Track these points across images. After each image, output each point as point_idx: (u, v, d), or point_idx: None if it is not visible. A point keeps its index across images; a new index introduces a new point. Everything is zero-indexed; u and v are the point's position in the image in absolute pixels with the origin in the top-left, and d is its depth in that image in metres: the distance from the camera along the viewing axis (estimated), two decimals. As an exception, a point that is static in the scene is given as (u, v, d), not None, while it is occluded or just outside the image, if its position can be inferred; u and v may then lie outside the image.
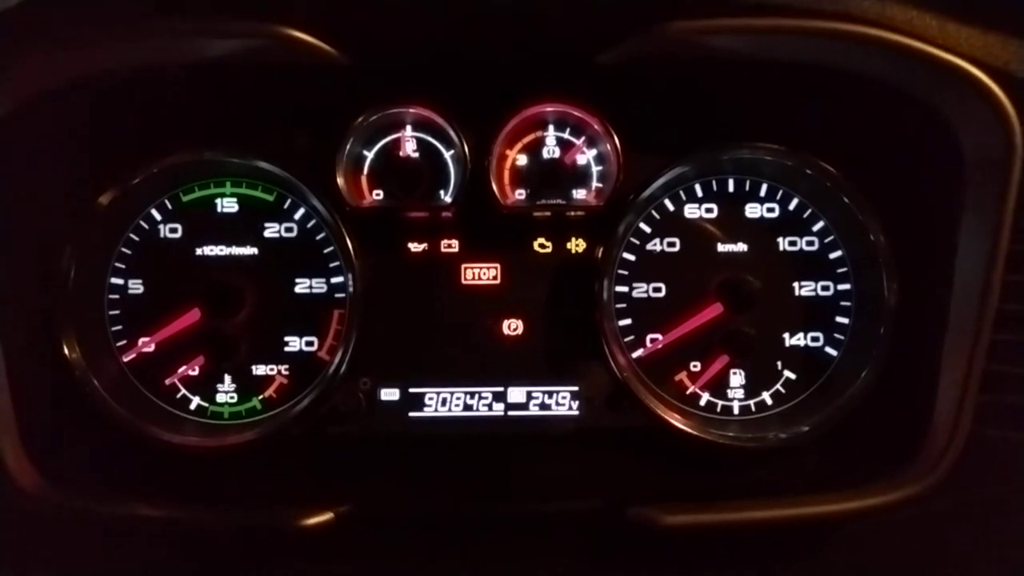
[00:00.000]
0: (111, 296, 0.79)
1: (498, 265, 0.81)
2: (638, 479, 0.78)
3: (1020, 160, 0.65)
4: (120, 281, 0.79)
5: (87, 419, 0.75)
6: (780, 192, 0.81)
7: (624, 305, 0.81)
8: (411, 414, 0.80)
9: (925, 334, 0.72)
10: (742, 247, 0.81)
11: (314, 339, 0.80)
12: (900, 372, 0.75)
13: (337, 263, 0.80)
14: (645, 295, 0.81)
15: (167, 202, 0.80)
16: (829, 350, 0.80)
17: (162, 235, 0.80)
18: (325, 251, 0.80)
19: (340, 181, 0.78)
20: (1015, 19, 0.66)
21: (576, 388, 0.81)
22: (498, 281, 0.81)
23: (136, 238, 0.79)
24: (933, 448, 0.69)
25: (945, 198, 0.71)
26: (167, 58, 0.70)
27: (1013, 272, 0.67)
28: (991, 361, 0.69)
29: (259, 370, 0.80)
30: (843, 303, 0.80)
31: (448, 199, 0.79)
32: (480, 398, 0.80)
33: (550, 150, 0.81)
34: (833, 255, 0.80)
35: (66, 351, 0.75)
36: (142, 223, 0.80)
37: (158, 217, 0.80)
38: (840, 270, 0.81)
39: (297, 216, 0.80)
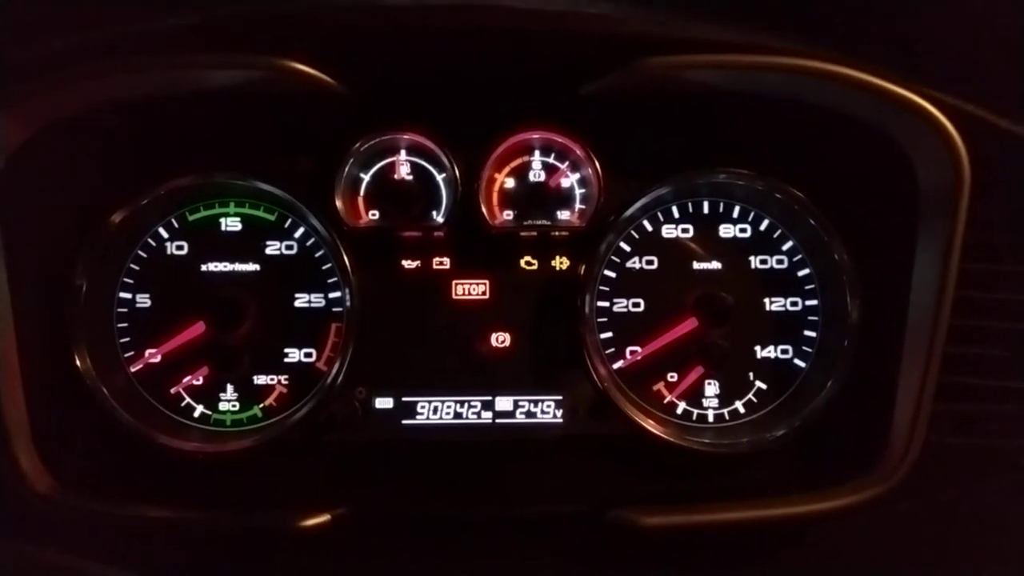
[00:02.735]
0: (120, 310, 0.82)
1: (487, 281, 0.84)
2: (619, 483, 0.81)
3: (968, 188, 0.69)
4: (128, 295, 0.82)
5: (97, 426, 0.77)
6: (752, 214, 0.85)
7: (605, 319, 0.84)
8: (404, 421, 0.83)
9: (885, 347, 0.76)
10: (716, 265, 0.84)
11: (313, 351, 0.83)
12: (862, 382, 0.78)
13: (335, 279, 0.83)
14: (625, 310, 0.84)
15: (174, 221, 0.83)
16: (798, 362, 0.84)
17: (169, 252, 0.83)
18: (323, 268, 0.83)
19: (338, 202, 0.81)
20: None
21: (560, 397, 0.83)
22: (487, 296, 0.84)
23: (144, 255, 0.82)
24: (893, 453, 0.73)
25: (902, 221, 0.75)
26: (176, 88, 0.73)
27: (963, 289, 0.71)
28: (945, 372, 0.73)
29: (260, 380, 0.83)
30: (811, 317, 0.84)
31: (440, 219, 0.83)
32: (469, 406, 0.83)
33: (536, 174, 0.84)
34: (801, 273, 0.84)
35: (77, 361, 0.77)
36: (150, 241, 0.82)
37: (165, 235, 0.83)
38: (808, 287, 0.84)
39: (297, 235, 0.83)
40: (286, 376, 0.83)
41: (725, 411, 0.84)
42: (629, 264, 0.85)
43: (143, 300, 0.82)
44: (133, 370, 0.82)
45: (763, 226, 0.85)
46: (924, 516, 0.77)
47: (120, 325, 0.82)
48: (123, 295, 0.82)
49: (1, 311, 0.71)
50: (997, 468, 0.78)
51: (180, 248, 0.83)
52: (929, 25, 0.69)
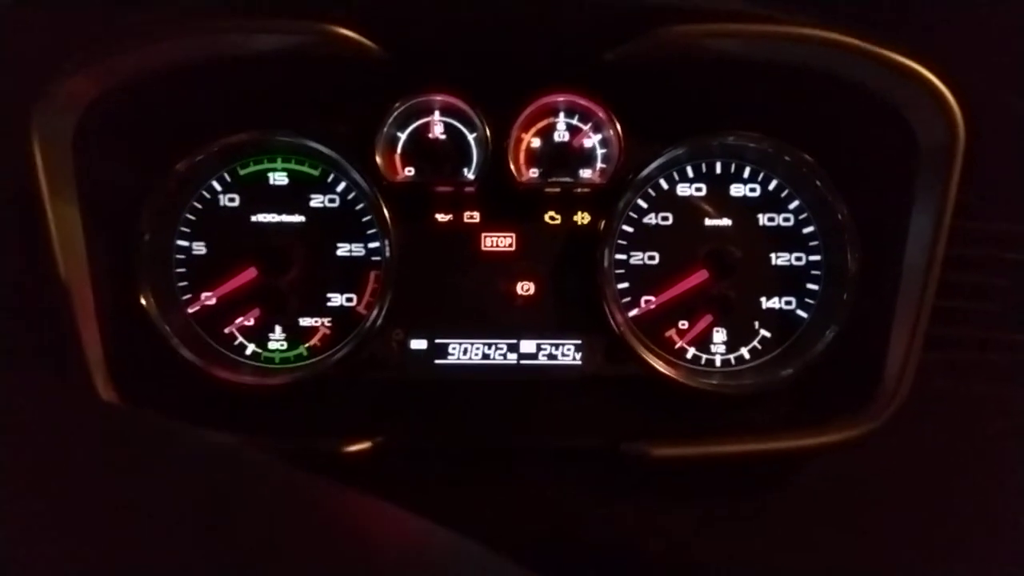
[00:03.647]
0: (178, 256, 0.88)
1: (513, 234, 0.89)
2: (632, 420, 0.86)
3: (962, 146, 0.73)
4: (185, 243, 0.88)
5: (161, 360, 0.83)
6: (761, 174, 0.88)
7: (622, 271, 0.88)
8: (437, 361, 0.88)
9: (881, 299, 0.80)
10: (727, 222, 0.88)
11: (354, 296, 0.88)
12: (859, 331, 0.83)
13: (374, 230, 0.88)
14: (641, 262, 0.89)
15: (226, 175, 0.88)
16: (800, 312, 0.88)
17: (222, 204, 0.88)
18: (364, 219, 0.88)
19: (378, 159, 0.85)
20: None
21: (579, 341, 0.88)
22: (513, 248, 0.89)
23: (199, 206, 0.88)
24: (884, 395, 0.78)
25: (901, 182, 0.79)
26: (229, 52, 0.77)
27: (955, 246, 0.76)
28: (935, 323, 0.77)
29: (306, 322, 0.88)
30: (813, 272, 0.88)
31: (471, 176, 0.87)
32: (496, 348, 0.88)
33: (560, 134, 0.88)
34: (806, 230, 0.88)
35: (143, 302, 0.83)
36: (204, 193, 0.88)
37: (218, 188, 0.88)
38: (812, 243, 0.88)
39: (339, 188, 0.88)
40: (329, 319, 0.89)
41: (731, 356, 0.89)
42: (646, 220, 0.89)
43: (199, 248, 0.88)
44: (191, 311, 0.87)
45: (771, 186, 0.88)
46: (913, 456, 0.82)
47: (178, 270, 0.88)
48: (181, 243, 0.88)
49: (78, 258, 0.76)
50: (984, 414, 0.82)
51: (232, 200, 0.88)
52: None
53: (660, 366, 0.86)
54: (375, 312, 0.86)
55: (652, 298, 0.88)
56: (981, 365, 0.82)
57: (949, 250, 0.76)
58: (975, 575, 0.81)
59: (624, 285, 0.88)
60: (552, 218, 0.89)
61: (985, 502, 0.82)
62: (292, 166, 0.89)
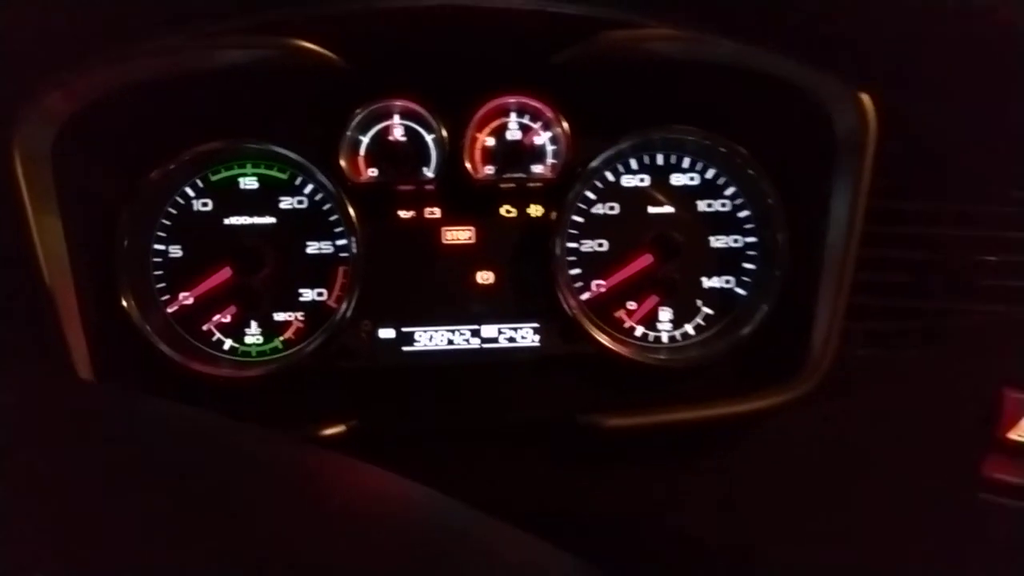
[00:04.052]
0: (155, 259, 0.92)
1: (472, 228, 0.93)
2: (587, 394, 0.92)
3: (874, 140, 0.81)
4: (162, 247, 0.92)
5: (143, 357, 0.88)
6: (699, 164, 0.95)
7: (574, 258, 0.94)
8: (405, 348, 0.93)
9: (807, 275, 0.87)
10: (669, 209, 0.95)
11: (324, 290, 0.93)
12: (789, 305, 0.90)
13: (341, 229, 0.93)
14: (591, 250, 0.94)
15: (198, 181, 0.92)
16: (738, 290, 0.95)
17: (195, 209, 0.92)
18: (331, 219, 0.93)
19: (342, 161, 0.90)
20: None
21: (537, 324, 0.93)
22: (472, 241, 0.94)
23: (174, 211, 0.92)
24: (811, 363, 0.85)
25: (822, 169, 0.86)
26: (199, 66, 0.81)
27: (872, 225, 0.83)
28: (855, 295, 0.84)
29: (280, 316, 0.93)
30: (749, 252, 0.95)
31: (430, 174, 0.91)
32: (460, 334, 0.93)
33: (513, 133, 0.93)
34: (741, 214, 0.95)
35: (123, 302, 0.88)
36: (178, 199, 0.92)
37: (192, 194, 0.92)
38: (747, 226, 0.95)
39: (307, 191, 0.93)
40: (302, 313, 0.93)
41: (677, 333, 0.95)
42: (594, 210, 0.95)
43: (175, 251, 0.92)
44: (170, 311, 0.92)
45: (709, 175, 0.95)
46: (843, 418, 0.89)
47: (156, 273, 0.92)
48: (158, 247, 0.92)
49: (60, 263, 0.81)
50: (905, 376, 0.89)
51: (205, 205, 0.92)
52: (843, 23, 0.81)
53: (611, 344, 0.92)
54: (345, 305, 0.91)
55: (602, 282, 0.94)
56: (902, 332, 0.88)
57: (867, 228, 0.84)
58: (899, 526, 0.89)
59: (576, 271, 0.94)
60: (508, 211, 0.94)
61: (908, 457, 0.90)
62: (261, 171, 0.93)
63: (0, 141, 0.77)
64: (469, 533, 0.41)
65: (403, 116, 0.92)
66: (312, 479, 0.43)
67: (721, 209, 0.96)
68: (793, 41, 0.69)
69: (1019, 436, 0.88)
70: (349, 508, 0.41)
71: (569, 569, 0.41)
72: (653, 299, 0.95)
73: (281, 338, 0.94)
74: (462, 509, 0.42)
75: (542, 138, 0.93)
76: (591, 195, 0.95)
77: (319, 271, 0.94)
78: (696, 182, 0.95)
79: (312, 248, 0.94)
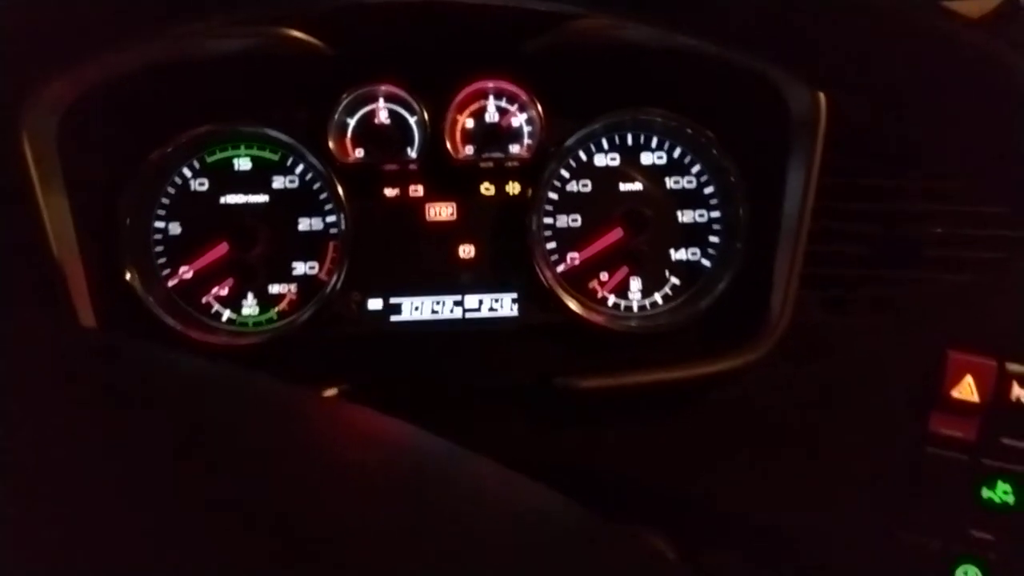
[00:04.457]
0: (156, 237, 0.97)
1: (454, 204, 0.98)
2: (562, 359, 0.98)
3: (824, 120, 0.87)
4: (162, 225, 0.97)
5: (146, 328, 0.93)
6: (667, 143, 1.00)
7: (550, 233, 0.99)
8: (392, 318, 0.98)
9: (766, 247, 0.93)
10: (639, 186, 1.00)
11: (315, 264, 0.98)
12: (750, 275, 0.96)
13: (331, 206, 0.98)
14: (565, 225, 1.00)
15: (195, 162, 0.97)
16: (704, 262, 1.00)
17: (193, 188, 0.98)
18: (321, 197, 0.98)
19: (331, 143, 0.95)
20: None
21: (515, 295, 0.99)
22: (454, 217, 0.99)
23: (172, 191, 0.97)
24: (768, 327, 0.91)
25: (779, 148, 0.92)
26: (194, 54, 0.88)
27: (825, 200, 0.89)
28: (809, 265, 0.90)
29: (274, 289, 0.98)
30: (714, 226, 1.00)
31: (414, 155, 0.97)
32: (443, 304, 0.98)
33: (491, 115, 0.98)
34: (707, 191, 1.00)
35: (127, 277, 0.94)
36: (176, 179, 0.97)
37: (189, 174, 0.97)
38: (712, 202, 1.00)
39: (298, 171, 0.98)
40: (295, 285, 0.98)
41: (646, 302, 1.01)
42: (568, 187, 1.00)
43: (174, 228, 0.98)
44: (170, 284, 0.97)
45: (676, 154, 1.00)
46: (799, 379, 0.95)
47: (157, 249, 0.97)
48: (158, 224, 0.97)
49: (68, 240, 0.86)
50: (858, 340, 0.95)
51: (202, 184, 0.98)
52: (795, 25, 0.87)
53: (585, 313, 0.98)
54: (335, 278, 0.97)
55: (576, 255, 1.00)
56: (853, 300, 0.95)
57: (819, 203, 0.90)
58: (852, 475, 0.96)
59: (552, 245, 1.00)
60: (487, 189, 0.99)
61: (860, 414, 0.97)
62: (255, 152, 0.98)
63: (10, 127, 0.82)
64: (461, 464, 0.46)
65: (387, 100, 0.97)
66: (311, 421, 0.49)
67: (687, 186, 1.01)
68: (748, 40, 0.75)
69: (961, 394, 0.94)
70: (347, 447, 0.46)
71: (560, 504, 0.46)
72: (624, 270, 1.00)
73: (276, 309, 0.99)
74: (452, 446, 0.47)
75: (518, 120, 0.99)
76: (565, 173, 1.00)
77: (310, 246, 0.99)
78: (664, 161, 1.01)
79: (303, 225, 0.99)
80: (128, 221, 0.95)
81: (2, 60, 0.83)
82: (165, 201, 0.98)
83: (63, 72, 0.82)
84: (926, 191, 0.92)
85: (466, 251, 1.00)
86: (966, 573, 0.92)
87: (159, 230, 0.98)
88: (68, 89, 0.85)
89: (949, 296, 0.94)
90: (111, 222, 0.94)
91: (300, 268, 0.99)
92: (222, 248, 0.97)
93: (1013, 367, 0.91)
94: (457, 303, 1.00)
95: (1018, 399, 0.91)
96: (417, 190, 0.99)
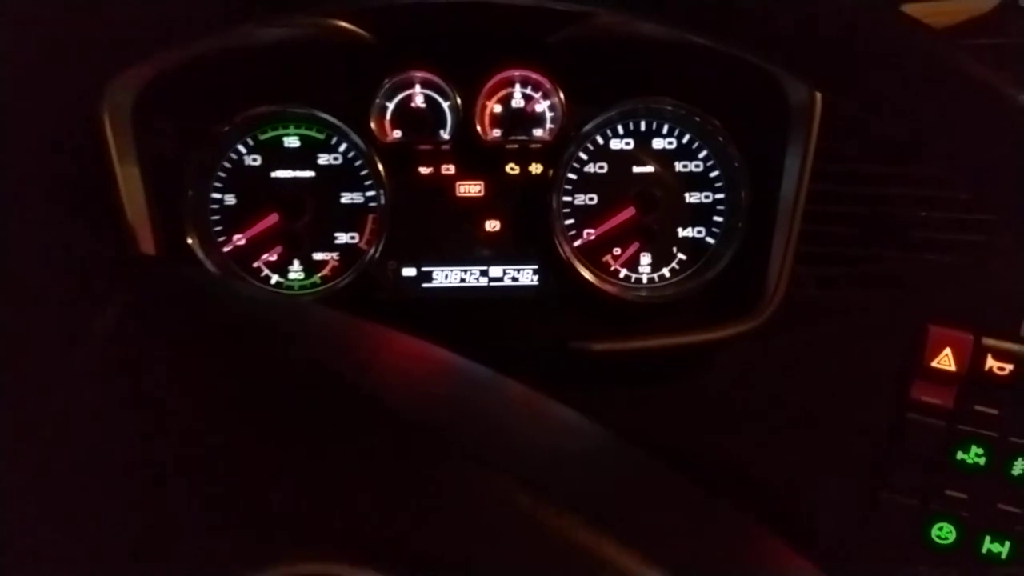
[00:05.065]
0: (213, 207, 1.06)
1: (482, 183, 1.06)
2: (578, 325, 1.06)
3: (819, 111, 0.94)
4: (219, 196, 1.06)
5: None
6: (677, 130, 1.07)
7: (568, 210, 1.07)
8: (424, 285, 1.07)
9: (764, 227, 1.00)
10: (650, 168, 1.07)
11: (356, 234, 1.07)
12: (749, 252, 1.03)
13: (370, 182, 1.06)
14: (583, 203, 1.07)
15: (249, 140, 1.05)
16: (708, 239, 1.08)
17: (247, 163, 1.06)
18: (362, 174, 1.06)
19: (372, 124, 1.03)
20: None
21: (536, 266, 1.07)
22: (482, 194, 1.07)
23: (229, 165, 1.06)
24: (765, 300, 0.98)
25: (779, 136, 0.99)
26: (252, 42, 0.97)
27: (816, 183, 0.96)
28: (804, 244, 0.97)
29: (318, 256, 1.07)
30: (719, 207, 1.07)
31: (446, 136, 1.05)
32: (470, 273, 1.07)
33: (517, 101, 1.05)
34: (712, 174, 1.07)
35: (189, 242, 1.04)
36: (232, 155, 1.06)
37: (243, 151, 1.06)
38: (717, 185, 1.07)
39: (341, 149, 1.06)
40: (337, 253, 1.07)
41: (655, 275, 1.09)
42: (586, 169, 1.07)
43: (230, 199, 1.06)
44: (225, 250, 1.06)
45: (685, 140, 1.07)
46: (793, 348, 1.03)
47: (214, 218, 1.06)
48: (215, 196, 1.06)
49: (139, 208, 0.96)
50: (849, 315, 1.03)
51: (255, 160, 1.06)
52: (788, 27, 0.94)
53: (599, 283, 1.06)
54: (374, 247, 1.06)
55: (592, 231, 1.08)
56: (844, 276, 1.01)
57: (814, 187, 0.97)
58: (839, 437, 1.04)
59: (570, 221, 1.08)
60: (512, 169, 1.07)
61: (848, 381, 1.04)
62: (303, 131, 1.06)
63: (93, 107, 0.92)
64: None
65: (423, 86, 1.05)
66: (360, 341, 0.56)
67: (695, 170, 1.08)
68: (747, 40, 0.84)
69: (940, 365, 1.02)
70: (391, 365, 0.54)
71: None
72: (635, 246, 1.08)
73: (319, 274, 1.08)
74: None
75: (542, 106, 1.06)
76: (583, 156, 1.08)
77: (352, 218, 1.08)
78: (674, 146, 1.08)
79: (346, 198, 1.08)
80: (190, 192, 1.04)
81: (90, 46, 0.94)
82: (222, 175, 1.06)
83: (143, 60, 0.92)
84: (911, 178, 0.99)
85: (492, 225, 1.09)
86: (940, 527, 1.00)
87: (216, 201, 1.07)
88: (144, 72, 0.94)
89: (932, 275, 1.01)
90: (175, 192, 1.03)
91: (342, 238, 1.08)
92: (273, 218, 1.06)
93: (989, 341, 0.98)
94: (483, 272, 1.09)
95: (991, 370, 0.99)
96: (449, 168, 1.08)
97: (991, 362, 0.99)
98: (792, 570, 0.49)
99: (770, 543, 0.51)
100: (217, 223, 1.08)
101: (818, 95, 0.95)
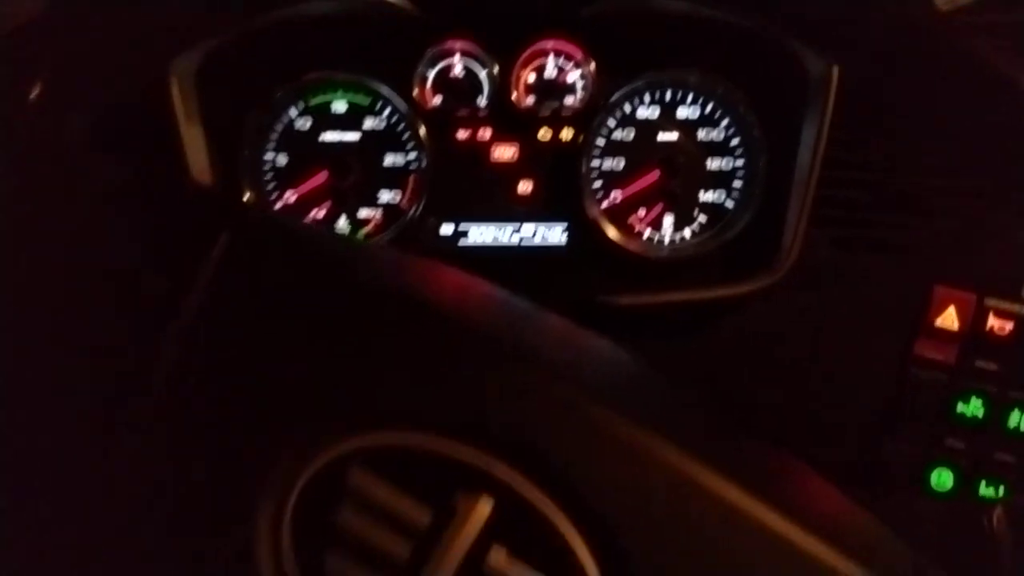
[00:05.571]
0: (266, 166, 1.14)
1: (516, 147, 1.12)
2: (604, 281, 1.13)
3: (836, 82, 1.00)
4: (272, 156, 1.13)
5: None
6: (701, 100, 1.12)
7: (596, 174, 1.13)
8: (460, 242, 1.14)
9: (781, 191, 1.06)
10: (674, 136, 1.13)
11: (398, 193, 1.14)
12: (766, 215, 1.10)
13: (412, 145, 1.13)
14: (610, 167, 1.13)
15: (300, 104, 1.13)
16: (728, 203, 1.14)
17: (297, 127, 1.13)
18: (404, 137, 1.13)
19: (414, 91, 1.10)
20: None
21: (565, 226, 1.14)
22: (516, 158, 1.13)
23: (280, 128, 1.13)
24: (780, 259, 1.04)
25: (798, 106, 1.05)
26: (304, 15, 1.04)
27: (832, 151, 1.02)
28: (819, 208, 1.03)
29: (362, 213, 1.14)
30: (738, 173, 1.13)
31: (483, 103, 1.11)
32: (504, 231, 1.13)
33: (550, 71, 1.11)
34: (733, 142, 1.13)
35: (246, 197, 1.11)
36: (284, 118, 1.13)
37: (294, 114, 1.13)
38: (737, 152, 1.13)
39: (385, 114, 1.13)
40: (380, 211, 1.14)
41: (677, 236, 1.15)
42: (614, 135, 1.13)
43: (282, 160, 1.14)
44: (278, 207, 1.13)
45: (708, 109, 1.13)
46: (807, 306, 1.09)
47: (267, 176, 1.14)
48: (268, 156, 1.14)
49: (202, 165, 1.04)
50: (860, 275, 1.08)
51: (305, 123, 1.13)
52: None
53: (624, 242, 1.12)
54: (415, 206, 1.13)
55: (619, 193, 1.13)
56: (856, 239, 1.07)
57: (829, 153, 1.03)
58: (846, 390, 1.11)
59: (598, 184, 1.13)
60: (544, 135, 1.13)
61: (856, 337, 1.11)
62: (350, 97, 1.13)
63: (162, 73, 1.00)
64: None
65: (463, 55, 1.11)
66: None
67: (716, 138, 1.14)
68: (769, 13, 0.90)
69: (943, 323, 1.08)
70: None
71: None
72: (659, 208, 1.14)
73: (364, 231, 1.15)
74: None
75: (573, 76, 1.12)
76: (612, 123, 1.14)
77: (394, 178, 1.14)
78: (697, 115, 1.13)
79: (389, 160, 1.14)
80: (246, 152, 1.12)
81: (161, 22, 1.02)
82: (274, 136, 1.14)
83: (209, 32, 1.01)
84: (921, 147, 1.05)
85: (524, 187, 1.15)
86: (940, 474, 1.07)
87: (269, 161, 1.14)
88: (205, 43, 1.02)
89: (938, 239, 1.06)
90: (234, 152, 1.11)
91: (385, 197, 1.15)
92: (321, 177, 1.13)
93: (990, 301, 1.05)
94: (515, 231, 1.15)
95: (992, 328, 1.05)
96: (485, 134, 1.14)
97: (992, 320, 1.05)
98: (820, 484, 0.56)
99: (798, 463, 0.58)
100: (270, 181, 1.15)
101: (835, 68, 1.01)
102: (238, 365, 0.43)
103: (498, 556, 0.39)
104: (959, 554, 0.93)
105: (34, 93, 0.77)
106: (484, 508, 0.40)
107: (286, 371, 0.42)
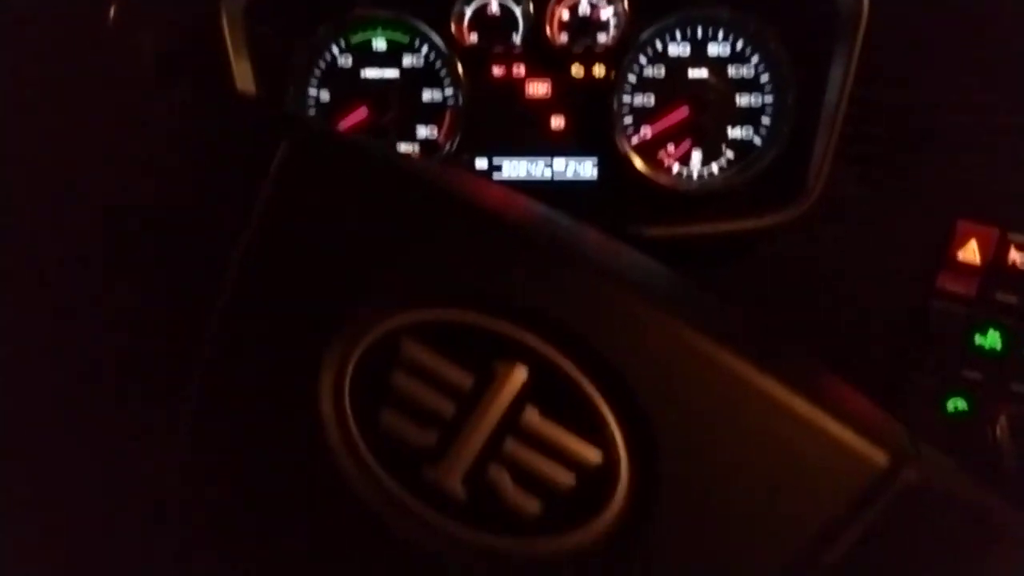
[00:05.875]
0: (310, 102, 1.19)
1: (549, 83, 1.16)
2: (634, 212, 1.16)
3: (866, 14, 1.02)
4: (315, 92, 1.18)
5: None
6: (731, 36, 1.15)
7: (627, 109, 1.16)
8: (494, 176, 1.18)
9: (808, 127, 1.09)
10: (704, 73, 1.15)
11: (435, 129, 1.18)
12: (793, 150, 1.12)
13: (448, 81, 1.17)
14: (641, 104, 1.16)
15: (342, 41, 1.17)
16: (756, 139, 1.16)
17: (339, 64, 1.17)
18: (441, 74, 1.17)
19: (452, 28, 1.14)
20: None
21: (596, 160, 1.18)
22: (549, 94, 1.16)
23: (323, 65, 1.18)
24: (806, 192, 1.07)
25: (826, 42, 1.07)
26: None
27: (859, 88, 1.04)
28: (843, 144, 1.06)
29: (401, 148, 1.18)
30: (766, 109, 1.15)
31: (518, 41, 1.14)
32: (536, 165, 1.18)
33: (584, 9, 1.14)
34: (762, 79, 1.15)
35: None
36: (326, 56, 1.18)
37: (336, 52, 1.17)
38: (766, 88, 1.15)
39: (423, 51, 1.17)
40: (418, 145, 1.19)
41: (705, 171, 1.18)
42: (645, 72, 1.16)
43: (324, 95, 1.19)
44: None
45: (738, 46, 1.15)
46: (832, 239, 1.12)
47: (311, 111, 1.19)
48: (311, 92, 1.18)
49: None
50: (884, 210, 1.11)
51: (347, 61, 1.18)
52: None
53: (653, 176, 1.16)
54: (450, 141, 1.17)
55: (649, 128, 1.16)
56: (879, 174, 1.10)
57: (856, 90, 1.06)
58: (868, 320, 1.15)
59: (628, 120, 1.17)
60: (577, 71, 1.16)
61: (880, 270, 1.14)
62: (389, 34, 1.17)
63: (211, 7, 1.05)
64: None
65: None
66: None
67: (746, 75, 1.16)
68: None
69: (965, 257, 1.11)
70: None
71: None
72: (688, 143, 1.17)
73: None
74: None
75: (606, 13, 1.15)
76: (643, 60, 1.17)
77: (432, 114, 1.19)
78: (727, 52, 1.16)
79: (426, 96, 1.18)
80: (291, 88, 1.17)
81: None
82: (317, 73, 1.18)
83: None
84: (943, 83, 1.07)
85: (557, 123, 1.19)
86: (956, 404, 1.10)
87: (312, 96, 1.19)
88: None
89: (961, 174, 1.09)
90: (280, 88, 1.16)
91: (423, 132, 1.20)
92: (362, 112, 1.18)
93: (1013, 236, 1.07)
94: (547, 165, 1.20)
95: (1014, 263, 1.08)
96: (519, 70, 1.18)
97: (1014, 254, 1.08)
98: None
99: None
100: (314, 116, 1.20)
101: (865, 2, 1.03)
102: (305, 256, 0.48)
103: (531, 415, 0.44)
104: (964, 460, 0.97)
105: (111, 14, 0.82)
106: (520, 374, 0.45)
107: (350, 260, 0.47)
